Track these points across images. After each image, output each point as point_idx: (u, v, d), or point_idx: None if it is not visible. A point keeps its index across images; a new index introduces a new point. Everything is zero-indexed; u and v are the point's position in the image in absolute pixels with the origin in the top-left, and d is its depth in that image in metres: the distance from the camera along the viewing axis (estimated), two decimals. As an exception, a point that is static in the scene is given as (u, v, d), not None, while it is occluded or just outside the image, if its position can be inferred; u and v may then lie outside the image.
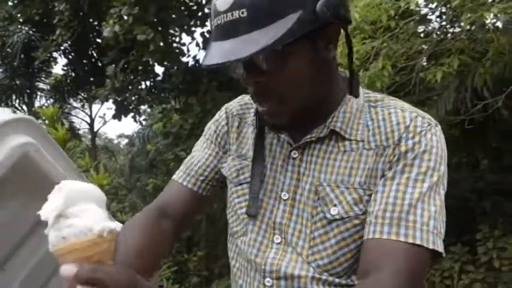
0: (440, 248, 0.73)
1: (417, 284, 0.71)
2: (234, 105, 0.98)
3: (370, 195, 0.77)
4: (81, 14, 8.01)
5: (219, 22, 0.73)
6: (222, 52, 0.72)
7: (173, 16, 7.07)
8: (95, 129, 12.59)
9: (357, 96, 0.84)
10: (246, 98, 0.97)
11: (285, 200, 0.84)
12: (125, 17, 6.33)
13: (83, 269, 0.57)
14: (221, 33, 0.73)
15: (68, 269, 0.58)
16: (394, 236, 0.71)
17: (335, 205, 0.78)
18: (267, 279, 0.82)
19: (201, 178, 0.96)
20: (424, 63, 3.54)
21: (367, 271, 0.72)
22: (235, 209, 0.90)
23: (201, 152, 0.98)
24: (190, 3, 7.34)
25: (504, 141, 5.38)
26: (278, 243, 0.83)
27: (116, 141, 19.26)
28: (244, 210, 0.87)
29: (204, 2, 7.18)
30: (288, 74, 0.76)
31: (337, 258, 0.79)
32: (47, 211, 0.59)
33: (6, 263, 0.83)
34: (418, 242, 0.71)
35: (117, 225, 0.61)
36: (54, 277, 0.93)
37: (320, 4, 0.72)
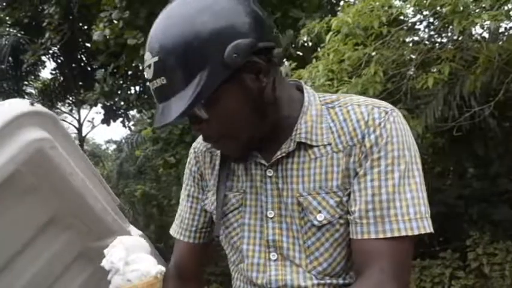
0: (427, 229, 0.79)
1: (404, 269, 0.79)
2: (200, 141, 1.02)
3: (348, 195, 0.82)
4: (70, 17, 7.96)
5: (151, 88, 0.80)
6: (159, 116, 0.80)
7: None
8: (83, 134, 12.46)
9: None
10: None
11: (271, 217, 0.87)
12: (115, 21, 6.31)
13: None
14: (155, 97, 0.82)
15: None
16: (382, 234, 0.78)
17: (320, 211, 0.82)
18: None
19: (193, 229, 1.02)
20: (411, 73, 3.59)
21: (359, 270, 0.79)
22: (228, 240, 0.94)
23: (184, 202, 1.04)
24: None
25: (490, 150, 5.46)
26: (275, 260, 0.87)
27: (103, 147, 19.07)
28: (235, 239, 0.92)
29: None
30: (224, 115, 0.80)
31: (334, 259, 0.84)
32: (114, 261, 0.75)
33: (11, 263, 0.81)
34: (403, 233, 0.77)
35: (163, 268, 0.79)
36: (62, 278, 0.92)
37: (227, 53, 0.74)
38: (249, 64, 0.77)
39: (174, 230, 1.06)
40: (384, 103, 0.85)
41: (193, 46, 0.74)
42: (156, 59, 0.77)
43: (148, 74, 0.79)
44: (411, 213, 0.78)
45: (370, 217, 0.78)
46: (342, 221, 0.82)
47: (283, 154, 0.85)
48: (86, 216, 0.86)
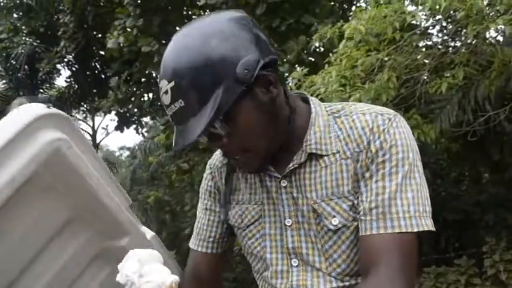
0: (425, 227, 0.82)
1: (409, 264, 0.81)
2: (216, 157, 1.07)
3: (358, 198, 0.86)
4: (85, 26, 8.08)
5: (169, 113, 0.85)
6: (178, 138, 0.85)
7: (177, 28, 7.14)
8: (97, 141, 12.59)
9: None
10: None
11: (289, 225, 0.92)
12: (129, 29, 6.39)
13: None
14: (174, 121, 0.86)
15: None
16: (383, 230, 0.81)
17: (334, 216, 0.87)
18: None
19: (211, 240, 1.06)
20: (425, 77, 3.57)
21: (366, 268, 0.82)
22: (251, 251, 0.98)
23: (202, 215, 1.07)
24: (194, 16, 7.42)
25: (506, 154, 5.39)
26: (297, 266, 0.91)
27: (117, 154, 19.26)
28: (258, 249, 0.96)
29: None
30: (243, 129, 0.84)
31: (352, 260, 0.88)
32: (128, 274, 0.76)
33: (31, 264, 0.83)
34: (403, 230, 0.81)
35: (177, 278, 0.79)
36: (81, 278, 0.93)
37: (238, 70, 0.79)
38: (259, 78, 0.82)
39: (192, 242, 1.09)
40: (387, 110, 0.90)
41: (207, 66, 0.79)
42: (172, 84, 0.81)
43: (165, 100, 0.83)
44: (411, 211, 0.81)
45: (373, 214, 0.82)
46: (355, 224, 0.86)
47: (296, 165, 0.90)
48: (101, 214, 0.88)
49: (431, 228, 0.82)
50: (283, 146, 0.91)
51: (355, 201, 0.86)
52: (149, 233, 1.02)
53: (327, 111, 0.93)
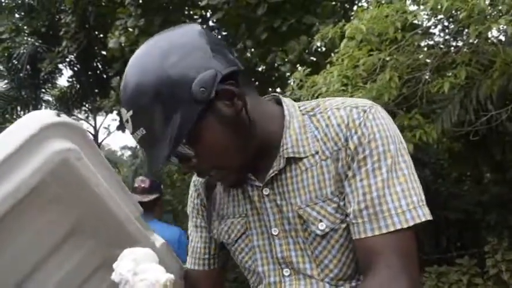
0: (422, 217, 0.78)
1: (410, 261, 0.77)
2: None
3: (344, 199, 0.83)
4: (86, 26, 8.09)
5: (135, 140, 0.82)
6: (148, 164, 0.84)
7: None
8: (99, 141, 12.60)
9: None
10: None
11: (276, 235, 0.89)
12: (130, 29, 6.40)
13: None
14: (140, 145, 0.84)
15: None
16: (377, 231, 0.78)
17: (320, 220, 0.83)
18: None
19: (206, 257, 1.04)
20: (427, 77, 3.56)
21: (364, 271, 0.79)
22: (243, 265, 0.96)
23: (194, 233, 1.06)
24: (195, 16, 7.42)
25: (507, 154, 5.38)
26: (289, 275, 0.88)
27: (119, 153, 19.26)
28: (249, 263, 0.93)
29: (208, 15, 7.26)
30: (210, 148, 0.81)
31: (344, 263, 0.85)
32: (122, 272, 0.76)
33: (35, 272, 0.83)
34: (398, 227, 0.77)
35: (172, 276, 0.78)
36: (84, 286, 0.93)
37: (194, 89, 0.76)
38: (220, 92, 0.78)
39: (188, 263, 1.07)
40: (362, 101, 0.86)
41: (161, 92, 0.76)
42: (131, 113, 0.79)
43: (128, 128, 0.81)
44: (403, 205, 0.77)
45: (364, 216, 0.79)
46: (344, 226, 0.83)
47: (276, 172, 0.87)
48: (110, 225, 0.87)
49: (429, 217, 0.78)
50: (261, 154, 0.87)
51: (341, 203, 0.83)
52: (159, 241, 1.00)
53: (301, 110, 0.89)
